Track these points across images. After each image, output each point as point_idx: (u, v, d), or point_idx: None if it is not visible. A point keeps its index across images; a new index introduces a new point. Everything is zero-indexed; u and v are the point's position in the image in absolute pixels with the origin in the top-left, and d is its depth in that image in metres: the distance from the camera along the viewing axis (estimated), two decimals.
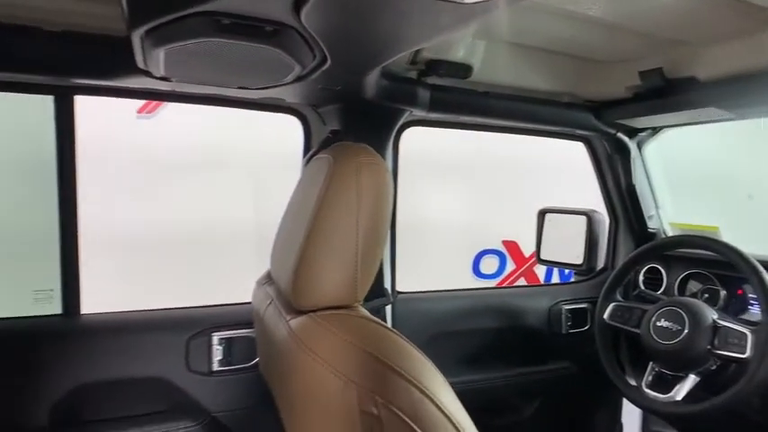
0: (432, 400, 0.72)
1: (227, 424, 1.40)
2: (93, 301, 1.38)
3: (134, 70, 1.04)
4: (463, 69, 1.32)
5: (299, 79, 1.05)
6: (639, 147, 1.82)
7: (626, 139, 1.77)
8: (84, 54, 1.12)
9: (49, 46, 1.09)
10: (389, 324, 1.52)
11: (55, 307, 1.33)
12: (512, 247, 3.45)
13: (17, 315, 1.28)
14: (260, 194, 2.77)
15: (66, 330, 1.30)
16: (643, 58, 1.38)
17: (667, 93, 1.39)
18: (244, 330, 1.40)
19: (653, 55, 1.36)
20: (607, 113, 1.63)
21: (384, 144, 1.44)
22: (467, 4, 0.67)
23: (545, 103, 1.56)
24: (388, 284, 1.55)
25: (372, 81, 1.21)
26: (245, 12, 0.74)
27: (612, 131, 1.72)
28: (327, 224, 0.83)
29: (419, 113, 1.43)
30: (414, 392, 0.72)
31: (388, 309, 1.54)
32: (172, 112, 2.80)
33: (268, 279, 1.11)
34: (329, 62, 0.94)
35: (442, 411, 0.72)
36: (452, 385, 0.77)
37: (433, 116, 1.46)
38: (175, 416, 1.35)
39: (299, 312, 0.84)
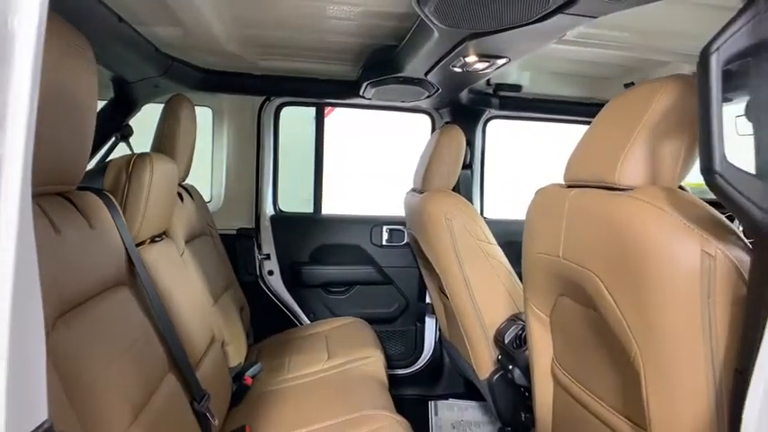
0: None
1: (390, 274, 2.71)
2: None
3: (356, 95, 2.37)
4: (516, 87, 2.47)
5: (427, 97, 2.30)
6: None
7: None
8: (332, 88, 2.49)
9: (312, 85, 2.47)
10: None
11: (309, 208, 2.77)
12: None
13: (297, 211, 2.77)
14: None
15: (315, 219, 2.73)
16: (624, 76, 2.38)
17: None
18: (399, 226, 2.70)
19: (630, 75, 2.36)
20: None
21: (474, 129, 2.65)
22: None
23: (567, 104, 2.60)
24: None
25: (464, 96, 2.42)
26: (406, 75, 1.99)
27: None
28: (435, 155, 2.07)
29: (495, 112, 2.61)
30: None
31: None
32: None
33: (411, 189, 2.38)
34: (440, 90, 2.17)
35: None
36: None
37: (502, 113, 2.63)
38: (361, 264, 2.70)
39: (422, 192, 2.09)
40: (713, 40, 0.75)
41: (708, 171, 0.75)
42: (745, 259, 0.80)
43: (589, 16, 1.22)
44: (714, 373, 0.82)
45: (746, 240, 0.84)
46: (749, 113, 0.83)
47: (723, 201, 0.76)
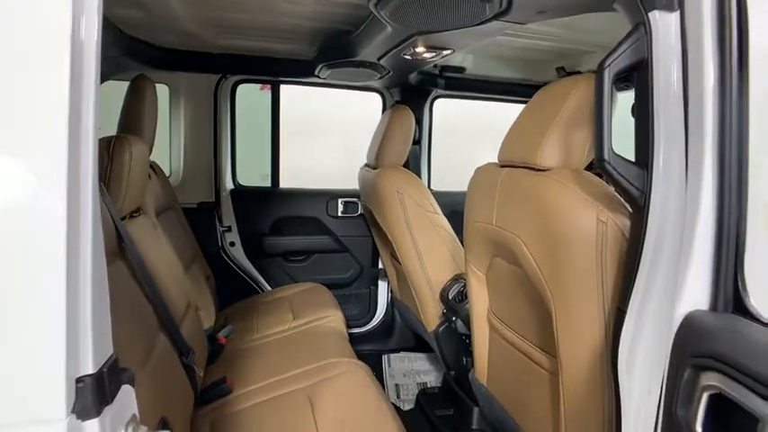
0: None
1: (345, 243, 2.92)
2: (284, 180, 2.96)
3: (311, 75, 2.52)
4: (460, 69, 2.69)
5: (379, 78, 2.48)
6: None
7: None
8: (288, 67, 2.62)
9: (269, 63, 2.59)
10: None
11: (267, 183, 2.92)
12: None
13: (257, 185, 2.90)
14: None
15: (273, 192, 2.88)
16: (556, 61, 2.65)
17: None
18: (354, 198, 2.89)
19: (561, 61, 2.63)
20: None
21: (422, 107, 2.86)
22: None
23: (505, 84, 2.86)
24: None
25: (414, 77, 2.61)
26: (360, 59, 2.16)
27: None
28: (387, 134, 2.27)
29: (441, 91, 2.83)
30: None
31: None
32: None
33: (365, 165, 2.58)
34: (391, 73, 2.36)
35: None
36: None
37: (448, 92, 2.85)
38: (318, 234, 2.90)
39: (376, 168, 2.29)
40: (606, 57, 0.99)
41: (599, 160, 1.00)
42: (627, 224, 1.04)
43: (520, 23, 1.44)
44: (604, 311, 1.09)
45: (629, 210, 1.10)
46: (633, 113, 1.08)
47: (610, 182, 1.01)
